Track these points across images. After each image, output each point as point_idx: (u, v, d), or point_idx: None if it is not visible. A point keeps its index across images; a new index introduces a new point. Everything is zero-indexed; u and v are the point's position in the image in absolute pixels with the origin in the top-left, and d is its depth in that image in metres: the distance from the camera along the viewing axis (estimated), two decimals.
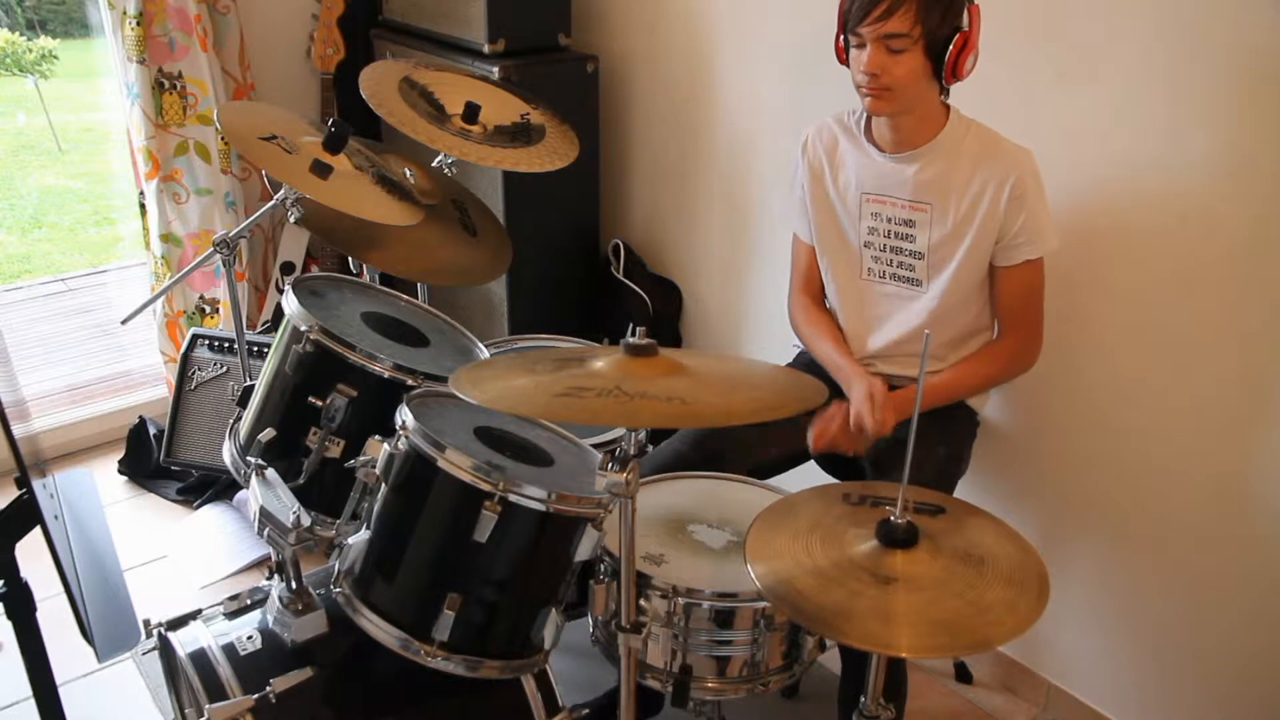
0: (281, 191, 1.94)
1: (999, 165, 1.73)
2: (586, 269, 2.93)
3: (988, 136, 1.78)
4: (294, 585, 1.58)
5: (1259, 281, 1.74)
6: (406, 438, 1.49)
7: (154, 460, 2.93)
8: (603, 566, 1.62)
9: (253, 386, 1.81)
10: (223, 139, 2.92)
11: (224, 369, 2.79)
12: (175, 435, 2.80)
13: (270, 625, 1.61)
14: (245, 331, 2.40)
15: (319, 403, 1.66)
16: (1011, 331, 1.85)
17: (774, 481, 1.92)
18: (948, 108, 1.78)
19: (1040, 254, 1.76)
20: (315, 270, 3.05)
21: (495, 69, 2.60)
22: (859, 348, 1.94)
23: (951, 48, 1.64)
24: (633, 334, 1.41)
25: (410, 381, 1.66)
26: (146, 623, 1.60)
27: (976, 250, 1.79)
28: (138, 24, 2.74)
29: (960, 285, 1.82)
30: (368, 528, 1.53)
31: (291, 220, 1.93)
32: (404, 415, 1.50)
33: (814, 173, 1.94)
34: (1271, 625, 1.86)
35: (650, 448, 1.96)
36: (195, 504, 2.84)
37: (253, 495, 1.58)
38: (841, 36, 1.74)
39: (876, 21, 1.63)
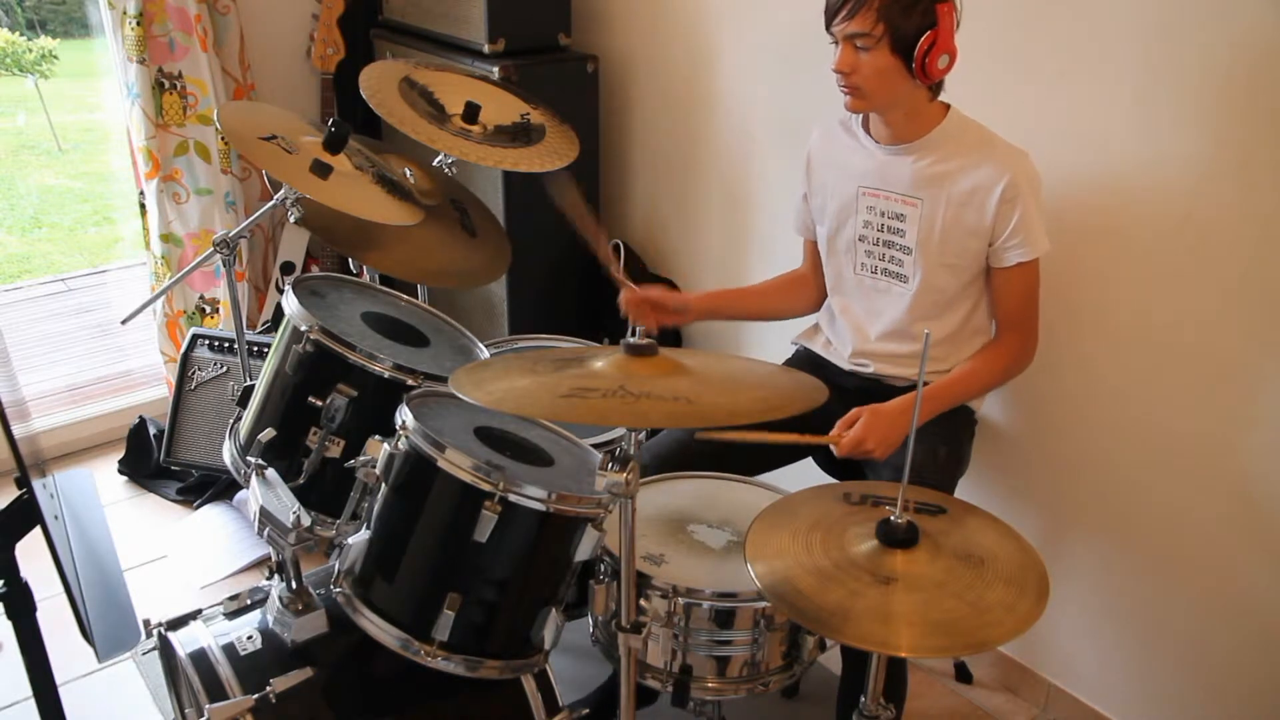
0: (281, 191, 1.94)
1: (992, 166, 1.73)
2: (586, 269, 2.93)
3: (984, 136, 1.78)
4: (294, 585, 1.58)
5: (1261, 280, 1.74)
6: (406, 438, 1.49)
7: (154, 460, 2.93)
8: (603, 566, 1.62)
9: (253, 386, 1.81)
10: (223, 139, 2.92)
11: (224, 369, 2.79)
12: (175, 435, 2.80)
13: (270, 625, 1.61)
14: (245, 331, 2.40)
15: (319, 403, 1.66)
16: (1008, 332, 1.85)
17: (774, 481, 1.92)
18: (946, 106, 1.79)
19: (1033, 256, 1.76)
20: (315, 270, 3.05)
21: (495, 69, 2.60)
22: (854, 344, 1.95)
23: (920, 46, 1.65)
24: (633, 334, 1.41)
25: (410, 381, 1.66)
26: (146, 623, 1.60)
27: (963, 250, 1.79)
28: (138, 24, 2.74)
29: (941, 282, 1.83)
30: (368, 528, 1.53)
31: (291, 220, 1.93)
32: (404, 415, 1.50)
33: (817, 172, 1.96)
34: (1272, 624, 1.86)
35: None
36: (195, 504, 2.84)
37: (253, 495, 1.58)
38: None
39: (841, 22, 1.68)
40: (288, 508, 1.53)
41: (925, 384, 1.77)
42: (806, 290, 2.11)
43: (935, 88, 1.76)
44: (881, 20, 1.64)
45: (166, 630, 1.61)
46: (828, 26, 1.71)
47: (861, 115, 1.85)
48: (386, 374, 1.66)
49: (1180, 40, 1.74)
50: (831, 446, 1.72)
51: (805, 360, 2.06)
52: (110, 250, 4.87)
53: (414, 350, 1.80)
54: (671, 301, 2.01)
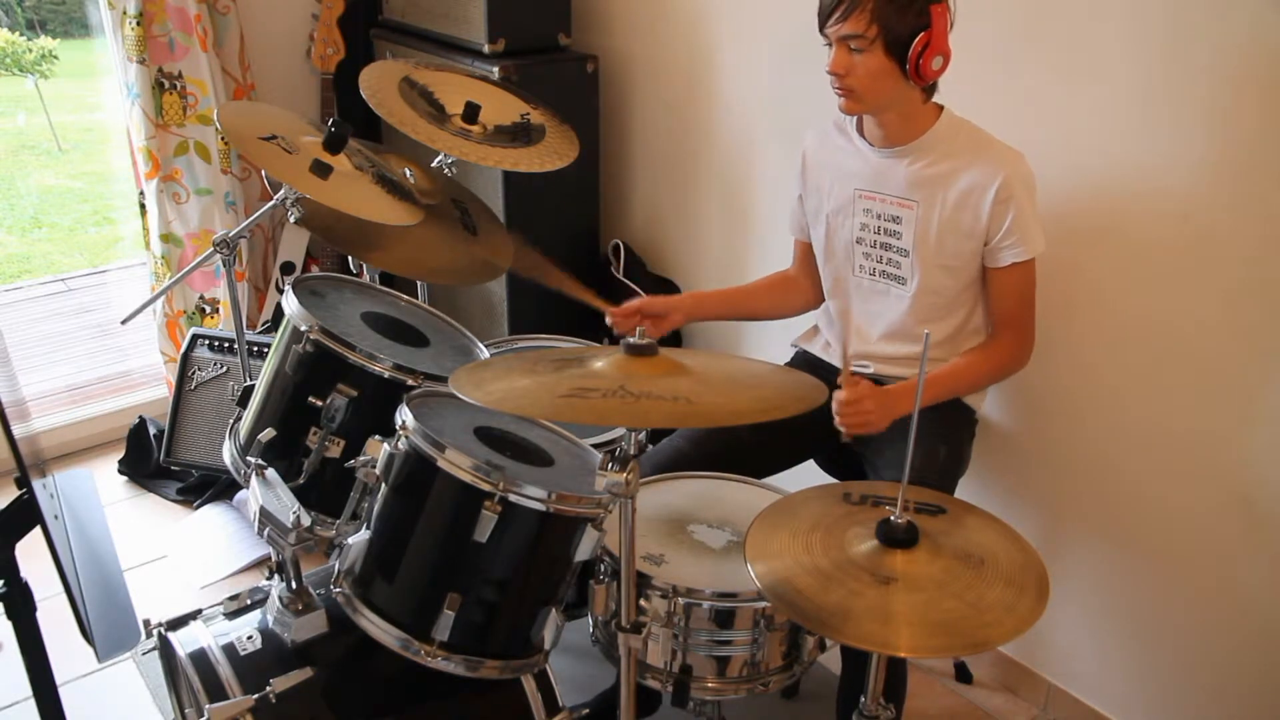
0: (281, 191, 1.94)
1: (987, 166, 1.73)
2: (586, 269, 2.92)
3: (979, 137, 1.78)
4: (294, 585, 1.58)
5: (1261, 281, 1.74)
6: (406, 438, 1.49)
7: (154, 460, 2.93)
8: (603, 566, 1.62)
9: (253, 386, 1.81)
10: (223, 139, 2.92)
11: (224, 369, 2.79)
12: (175, 435, 2.80)
13: (270, 625, 1.61)
14: (245, 331, 2.40)
15: (319, 403, 1.66)
16: (1004, 331, 1.85)
17: (774, 481, 1.92)
18: (939, 108, 1.79)
19: (1028, 257, 1.76)
20: (315, 270, 3.05)
21: (495, 69, 2.60)
22: (854, 346, 1.95)
23: (914, 47, 1.65)
24: (633, 334, 1.41)
25: (410, 381, 1.66)
26: (146, 623, 1.60)
27: (959, 250, 1.79)
28: (138, 24, 2.74)
29: (939, 284, 1.83)
30: (368, 528, 1.53)
31: (291, 220, 1.93)
32: (404, 415, 1.50)
33: (813, 174, 1.95)
34: (1271, 624, 1.86)
35: (650, 447, 1.97)
36: (195, 504, 2.84)
37: (253, 495, 1.58)
38: None
39: (835, 24, 1.68)
40: (288, 508, 1.53)
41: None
42: (795, 291, 2.10)
43: (929, 89, 1.76)
44: (875, 22, 1.64)
45: (166, 630, 1.61)
46: (821, 28, 1.71)
47: (856, 117, 1.85)
48: (386, 374, 1.66)
49: (1180, 41, 1.74)
50: (836, 410, 1.69)
51: (805, 364, 2.06)
52: (110, 250, 4.87)
53: (414, 350, 1.80)
54: (656, 307, 1.99)
